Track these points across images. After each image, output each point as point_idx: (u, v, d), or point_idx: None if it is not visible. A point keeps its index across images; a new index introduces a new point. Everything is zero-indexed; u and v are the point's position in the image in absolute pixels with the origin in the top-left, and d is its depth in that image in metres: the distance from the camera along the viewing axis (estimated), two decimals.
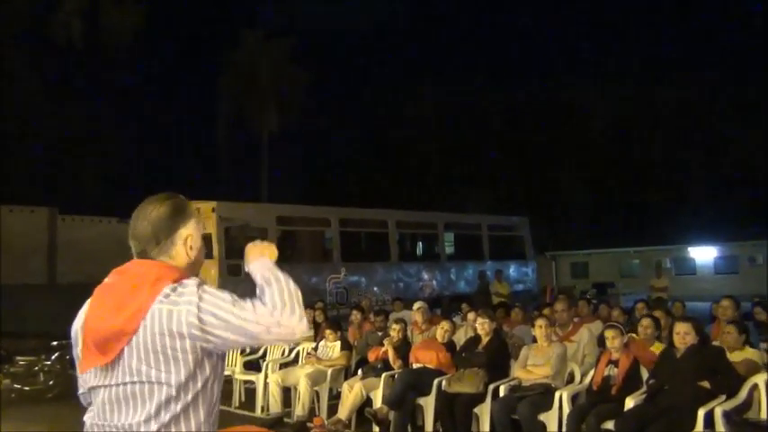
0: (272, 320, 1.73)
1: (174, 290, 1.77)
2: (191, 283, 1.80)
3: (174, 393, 1.73)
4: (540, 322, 6.20)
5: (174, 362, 1.73)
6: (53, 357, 8.65)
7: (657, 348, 5.73)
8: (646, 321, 6.15)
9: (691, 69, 35.14)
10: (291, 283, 1.82)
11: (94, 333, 1.79)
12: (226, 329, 1.72)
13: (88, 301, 1.89)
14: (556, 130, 35.92)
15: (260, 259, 1.90)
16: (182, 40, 42.36)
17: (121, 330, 1.74)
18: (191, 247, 1.92)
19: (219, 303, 1.74)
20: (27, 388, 8.34)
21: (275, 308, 1.75)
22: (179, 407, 1.74)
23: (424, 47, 52.50)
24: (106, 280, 1.88)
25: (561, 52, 46.64)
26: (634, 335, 6.07)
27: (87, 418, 1.87)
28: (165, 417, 1.73)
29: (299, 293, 1.81)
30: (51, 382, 8.46)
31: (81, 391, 1.94)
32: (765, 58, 31.65)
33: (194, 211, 1.98)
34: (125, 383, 1.76)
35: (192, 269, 1.93)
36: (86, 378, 1.86)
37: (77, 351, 1.90)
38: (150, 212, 1.90)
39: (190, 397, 1.75)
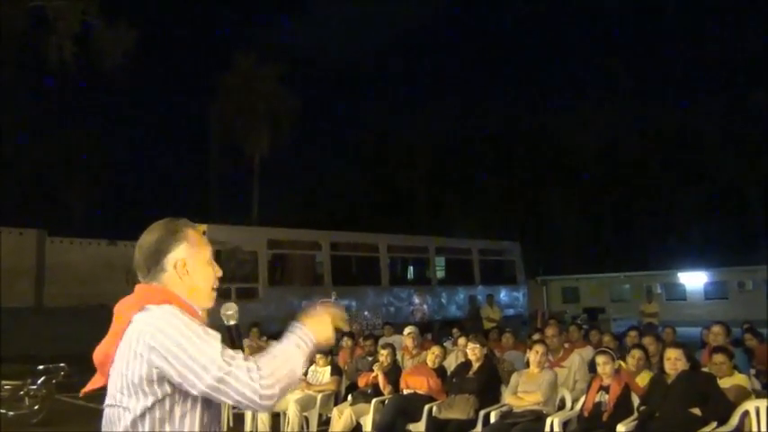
0: (241, 375, 1.64)
1: (147, 311, 1.76)
2: (165, 307, 1.76)
3: (130, 421, 1.70)
4: (537, 348, 6.17)
5: (132, 387, 1.71)
6: (39, 382, 8.48)
7: (645, 377, 5.72)
8: (638, 353, 6.07)
9: (680, 95, 35.70)
10: (298, 369, 1.76)
11: (96, 356, 1.82)
12: (174, 359, 1.66)
13: None
14: (546, 156, 36.21)
15: (320, 325, 1.86)
16: (174, 64, 42.62)
17: (108, 354, 1.77)
18: (186, 272, 1.89)
19: (181, 329, 1.69)
20: (12, 413, 8.17)
21: (259, 369, 1.67)
22: None
23: (417, 72, 53.12)
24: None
25: (551, 78, 47.26)
26: (623, 363, 6.05)
27: None
28: None
29: (293, 379, 1.75)
30: (37, 407, 8.29)
31: None
32: (754, 83, 32.21)
33: (189, 234, 1.93)
34: (108, 406, 1.77)
35: (197, 294, 1.91)
36: None
37: None
38: (142, 241, 1.92)
39: (147, 427, 1.70)
